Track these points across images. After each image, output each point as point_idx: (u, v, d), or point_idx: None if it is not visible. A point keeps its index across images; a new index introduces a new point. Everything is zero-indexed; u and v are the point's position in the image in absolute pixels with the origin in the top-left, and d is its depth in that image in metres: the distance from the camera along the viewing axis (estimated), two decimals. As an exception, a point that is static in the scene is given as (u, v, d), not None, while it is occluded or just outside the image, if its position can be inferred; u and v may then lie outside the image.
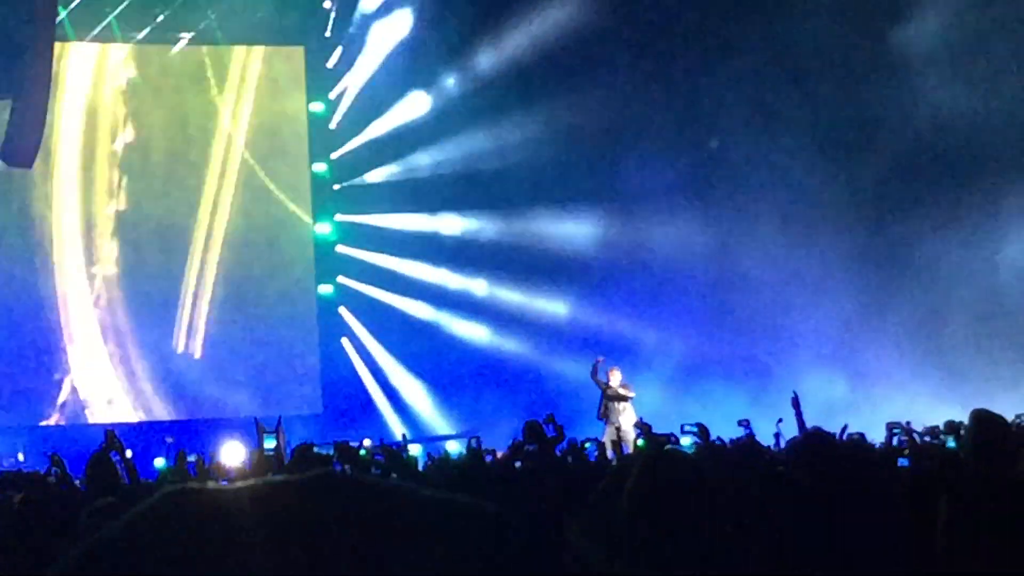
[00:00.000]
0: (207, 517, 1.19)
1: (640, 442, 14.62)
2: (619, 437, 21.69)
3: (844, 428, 12.86)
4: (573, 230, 29.26)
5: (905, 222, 26.40)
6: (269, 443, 9.73)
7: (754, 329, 27.60)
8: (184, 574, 1.14)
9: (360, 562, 1.14)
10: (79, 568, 1.19)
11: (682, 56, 28.33)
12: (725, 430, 15.99)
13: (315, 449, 10.66)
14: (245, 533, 1.16)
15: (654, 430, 15.27)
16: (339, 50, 31.24)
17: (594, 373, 23.93)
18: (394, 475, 11.21)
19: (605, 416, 23.50)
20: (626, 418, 22.85)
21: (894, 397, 23.56)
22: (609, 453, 17.61)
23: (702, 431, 11.82)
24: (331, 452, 10.81)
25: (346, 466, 10.46)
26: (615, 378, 23.79)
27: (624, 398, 23.46)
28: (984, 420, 7.10)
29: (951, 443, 13.17)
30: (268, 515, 1.18)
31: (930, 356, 25.17)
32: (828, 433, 7.78)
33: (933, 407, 20.85)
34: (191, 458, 17.22)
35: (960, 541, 6.38)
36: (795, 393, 14.30)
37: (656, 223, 28.22)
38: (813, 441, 7.73)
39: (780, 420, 15.43)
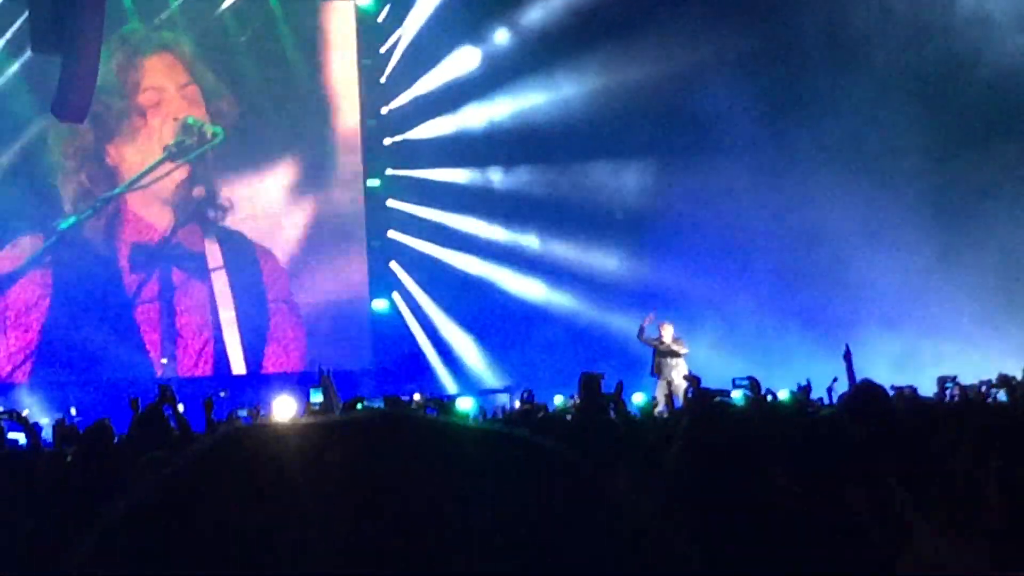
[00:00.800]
0: (269, 455, 1.18)
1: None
2: (671, 391, 21.62)
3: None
4: (628, 183, 29.17)
5: (978, 172, 25.97)
6: (316, 397, 9.76)
7: (820, 284, 27.28)
8: (246, 513, 1.13)
9: (423, 498, 1.14)
10: (136, 512, 1.19)
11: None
12: (787, 385, 15.88)
13: (365, 403, 10.70)
14: (306, 471, 1.16)
15: (707, 385, 15.22)
16: (389, 4, 31.17)
17: (640, 333, 23.82)
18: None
19: (658, 371, 23.38)
20: (678, 373, 22.70)
21: (965, 352, 23.26)
22: (661, 407, 17.59)
23: (753, 385, 11.80)
24: (381, 406, 10.84)
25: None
26: (667, 333, 23.65)
27: (676, 354, 23.34)
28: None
29: (1002, 396, 13.10)
30: (329, 451, 1.17)
31: (1001, 310, 24.86)
32: (878, 386, 7.76)
33: (1003, 363, 20.64)
34: (243, 412, 17.35)
35: (1005, 493, 6.34)
36: (847, 347, 14.23)
37: (716, 176, 27.96)
38: (863, 393, 7.72)
39: (835, 379, 15.24)
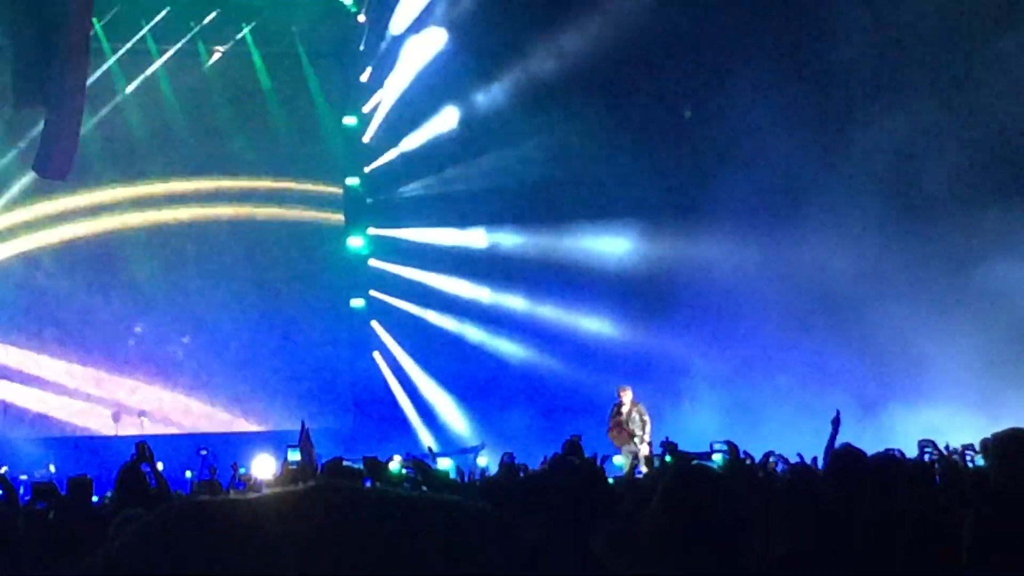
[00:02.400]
0: (213, 529, 1.20)
1: (667, 458, 14.57)
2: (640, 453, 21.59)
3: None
4: (608, 245, 29.17)
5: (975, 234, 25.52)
6: (293, 455, 9.75)
7: (815, 344, 27.02)
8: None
9: (361, 568, 1.15)
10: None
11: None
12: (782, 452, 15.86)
13: (345, 463, 10.69)
14: (247, 543, 1.17)
15: (685, 448, 15.20)
16: (372, 64, 31.31)
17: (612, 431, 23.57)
18: (425, 488, 11.21)
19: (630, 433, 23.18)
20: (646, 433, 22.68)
21: (963, 415, 22.92)
22: (640, 469, 17.56)
23: (731, 449, 11.77)
24: (361, 466, 10.83)
25: (377, 481, 10.47)
26: (626, 396, 23.49)
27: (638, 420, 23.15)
28: (1006, 438, 7.09)
29: (979, 461, 13.10)
30: (269, 525, 1.19)
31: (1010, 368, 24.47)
32: (858, 450, 7.79)
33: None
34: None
35: (983, 555, 6.40)
36: (838, 412, 14.26)
37: (705, 237, 27.92)
38: (843, 458, 7.74)
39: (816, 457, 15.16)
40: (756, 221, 26.77)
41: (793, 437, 16.11)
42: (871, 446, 11.07)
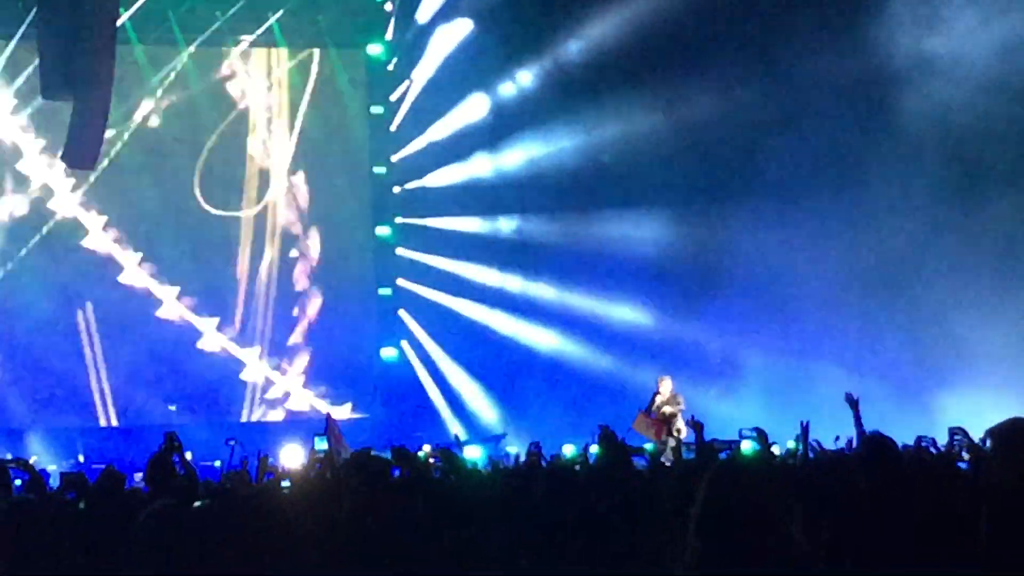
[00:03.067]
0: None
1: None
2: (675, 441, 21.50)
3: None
4: (646, 231, 29.01)
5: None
6: (320, 444, 9.75)
7: (856, 334, 26.86)
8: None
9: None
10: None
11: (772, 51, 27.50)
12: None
13: (373, 453, 10.66)
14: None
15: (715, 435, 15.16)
16: (400, 53, 31.29)
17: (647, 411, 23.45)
18: (453, 478, 11.19)
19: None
20: (677, 423, 22.55)
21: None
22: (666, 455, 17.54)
23: (761, 436, 11.74)
24: (388, 456, 10.80)
25: (404, 470, 10.45)
26: (665, 387, 23.35)
27: (670, 417, 23.02)
28: (1006, 428, 7.03)
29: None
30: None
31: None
32: (887, 438, 7.73)
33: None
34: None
35: (997, 544, 6.38)
36: (849, 394, 14.13)
37: (737, 225, 27.78)
38: (873, 445, 7.69)
39: (836, 438, 15.07)
40: (797, 204, 26.48)
41: (834, 423, 15.91)
42: (913, 431, 11.03)
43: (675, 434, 22.14)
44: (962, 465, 11.97)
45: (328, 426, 10.06)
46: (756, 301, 27.37)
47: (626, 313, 29.01)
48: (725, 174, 27.70)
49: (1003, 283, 23.92)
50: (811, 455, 13.93)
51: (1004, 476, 6.75)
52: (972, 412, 20.42)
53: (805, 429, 14.01)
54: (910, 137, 25.16)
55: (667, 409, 22.84)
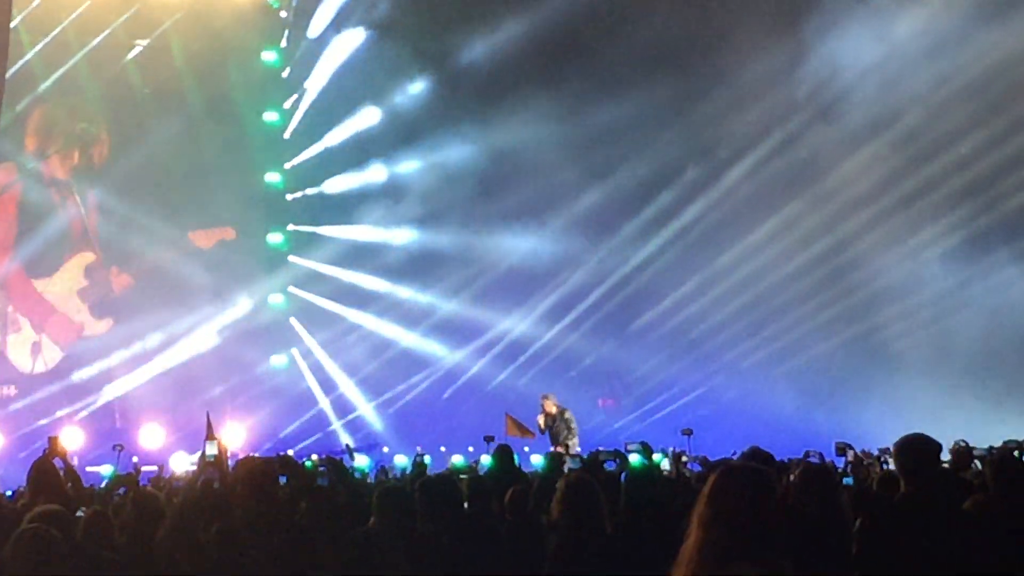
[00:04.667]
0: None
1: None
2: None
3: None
4: (530, 245, 29.24)
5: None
6: (211, 449, 9.73)
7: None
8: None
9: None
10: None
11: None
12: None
13: (258, 458, 10.71)
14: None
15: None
16: (294, 61, 31.23)
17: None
18: (340, 487, 11.24)
19: (554, 441, 23.14)
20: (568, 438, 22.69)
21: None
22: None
23: (645, 449, 11.86)
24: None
25: (291, 479, 10.49)
26: (549, 404, 23.49)
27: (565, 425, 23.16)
28: (904, 445, 7.26)
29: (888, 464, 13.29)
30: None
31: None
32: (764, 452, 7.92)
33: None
34: (151, 468, 17.35)
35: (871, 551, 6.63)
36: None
37: (614, 243, 28.11)
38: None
39: (733, 452, 15.37)
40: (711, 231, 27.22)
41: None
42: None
43: (567, 448, 22.25)
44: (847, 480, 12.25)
45: (209, 427, 10.02)
46: (659, 317, 27.84)
47: (516, 324, 29.24)
48: (630, 184, 27.98)
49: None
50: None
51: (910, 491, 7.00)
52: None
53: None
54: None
55: (561, 426, 22.99)
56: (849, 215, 26.61)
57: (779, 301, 27.41)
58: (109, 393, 29.14)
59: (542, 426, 23.17)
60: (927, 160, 25.57)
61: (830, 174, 26.68)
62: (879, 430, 19.85)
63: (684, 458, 15.67)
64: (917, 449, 7.14)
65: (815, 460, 14.73)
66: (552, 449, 22.15)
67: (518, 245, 29.25)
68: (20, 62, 27.63)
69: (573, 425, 22.96)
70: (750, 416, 25.62)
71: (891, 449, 7.60)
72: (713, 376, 28.27)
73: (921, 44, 24.91)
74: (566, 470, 11.33)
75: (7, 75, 19.00)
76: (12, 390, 28.74)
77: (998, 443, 15.10)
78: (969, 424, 18.96)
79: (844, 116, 26.41)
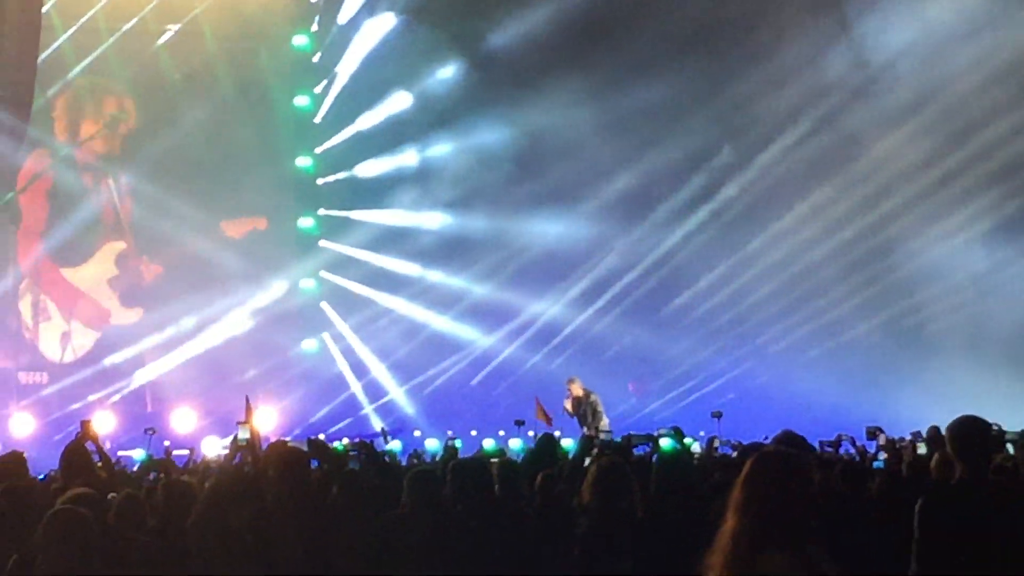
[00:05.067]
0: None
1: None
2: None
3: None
4: (561, 230, 29.22)
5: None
6: (243, 433, 9.75)
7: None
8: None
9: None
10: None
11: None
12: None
13: (290, 443, 10.72)
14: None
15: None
16: (325, 46, 31.20)
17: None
18: (371, 470, 11.24)
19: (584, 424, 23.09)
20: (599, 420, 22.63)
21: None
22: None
23: (678, 433, 11.86)
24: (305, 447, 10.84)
25: (322, 462, 10.50)
26: (576, 387, 23.46)
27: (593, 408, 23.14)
28: (960, 428, 7.18)
29: (922, 449, 13.22)
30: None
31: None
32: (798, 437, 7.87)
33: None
34: (183, 452, 17.38)
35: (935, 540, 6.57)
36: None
37: (646, 226, 28.08)
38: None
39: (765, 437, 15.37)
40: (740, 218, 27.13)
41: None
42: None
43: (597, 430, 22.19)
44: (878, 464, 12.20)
45: (247, 412, 10.04)
46: (691, 300, 27.82)
47: (548, 308, 29.24)
48: (665, 171, 27.92)
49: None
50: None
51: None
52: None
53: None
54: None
55: (586, 409, 22.95)
56: (884, 197, 26.47)
57: (812, 284, 27.35)
58: (141, 377, 29.22)
59: (570, 410, 23.12)
60: (963, 141, 25.47)
61: (863, 156, 26.57)
62: (914, 413, 19.85)
63: (716, 443, 15.68)
64: (973, 432, 7.07)
65: (847, 444, 14.73)
66: (584, 432, 22.11)
67: (550, 228, 29.21)
68: (52, 47, 27.69)
69: (599, 408, 22.88)
70: (782, 399, 25.57)
71: (943, 432, 7.47)
72: (745, 359, 28.23)
73: (958, 23, 24.77)
74: (594, 453, 11.31)
75: (39, 60, 19.06)
76: (44, 377, 28.83)
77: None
78: (1004, 407, 18.91)
79: (878, 97, 26.32)
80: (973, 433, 7.03)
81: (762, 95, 26.75)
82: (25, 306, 29.17)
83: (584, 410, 22.94)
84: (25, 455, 11.23)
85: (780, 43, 26.00)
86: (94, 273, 29.81)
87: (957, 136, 25.50)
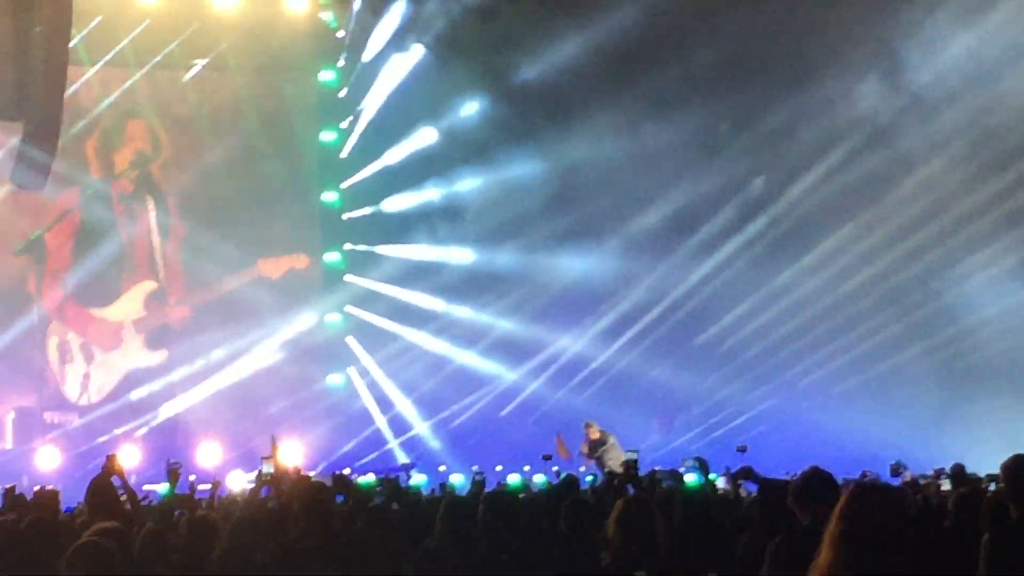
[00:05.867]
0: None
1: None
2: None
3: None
4: (588, 265, 29.24)
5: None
6: (267, 468, 9.79)
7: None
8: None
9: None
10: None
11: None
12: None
13: (314, 478, 10.74)
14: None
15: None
16: (351, 81, 31.31)
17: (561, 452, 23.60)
18: (395, 505, 11.24)
19: (601, 466, 23.07)
20: (615, 459, 22.62)
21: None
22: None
23: (702, 465, 11.81)
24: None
25: (347, 497, 10.50)
26: (593, 431, 23.52)
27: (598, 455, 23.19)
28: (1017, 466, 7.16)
29: (946, 485, 13.18)
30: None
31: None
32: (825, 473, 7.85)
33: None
34: (202, 486, 17.39)
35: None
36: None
37: (675, 259, 28.11)
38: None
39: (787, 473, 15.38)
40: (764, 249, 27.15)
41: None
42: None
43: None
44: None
45: (273, 450, 10.07)
46: (717, 335, 27.80)
47: (572, 344, 29.25)
48: (694, 206, 27.92)
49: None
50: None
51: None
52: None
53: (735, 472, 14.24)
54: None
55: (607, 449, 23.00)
56: (919, 227, 26.37)
57: (841, 317, 27.27)
58: (167, 411, 29.24)
59: (587, 453, 23.20)
60: (1001, 170, 25.43)
61: (899, 185, 26.51)
62: (950, 448, 19.79)
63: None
64: None
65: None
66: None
67: (577, 263, 29.24)
68: (79, 81, 27.80)
69: (617, 451, 22.93)
70: (808, 435, 25.52)
71: (999, 472, 7.44)
72: (772, 394, 28.12)
73: (994, 52, 24.75)
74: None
75: (66, 95, 19.10)
76: (70, 417, 28.81)
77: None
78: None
79: (914, 127, 26.21)
80: None
81: (790, 129, 26.74)
82: (52, 346, 29.16)
83: (600, 454, 23.00)
84: (59, 492, 11.27)
85: (809, 78, 25.98)
86: (121, 312, 29.80)
87: (995, 164, 25.45)
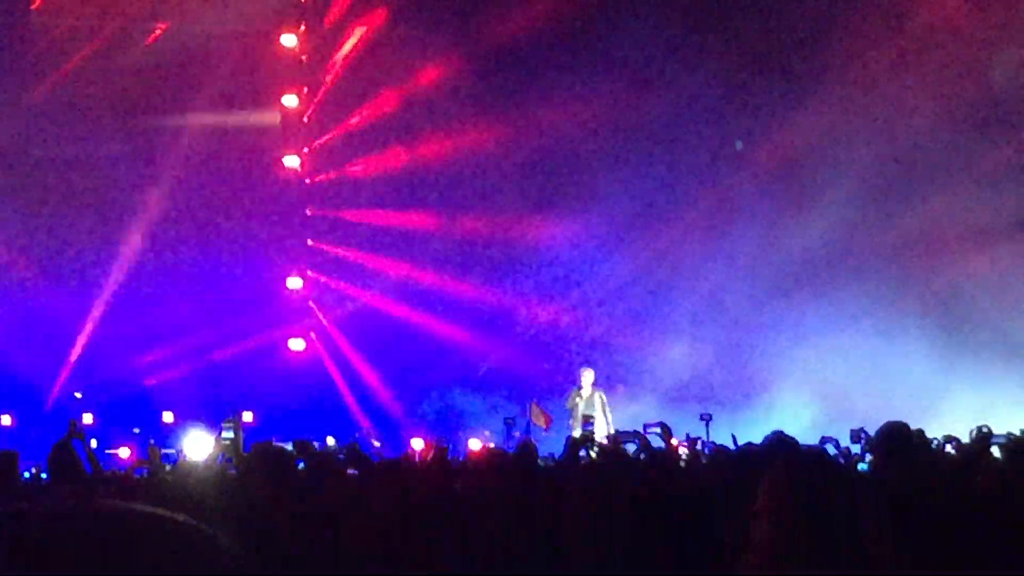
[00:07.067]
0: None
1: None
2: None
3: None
4: (550, 231, 29.20)
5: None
6: (227, 433, 9.74)
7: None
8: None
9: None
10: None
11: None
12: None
13: (275, 444, 10.69)
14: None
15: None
16: (313, 44, 31.13)
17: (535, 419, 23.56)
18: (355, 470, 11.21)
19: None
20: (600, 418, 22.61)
21: None
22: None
23: (665, 430, 11.81)
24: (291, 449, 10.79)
25: (308, 461, 10.46)
26: (586, 378, 23.54)
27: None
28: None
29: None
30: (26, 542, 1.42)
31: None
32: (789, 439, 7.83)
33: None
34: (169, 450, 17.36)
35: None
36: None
37: (663, 229, 28.15)
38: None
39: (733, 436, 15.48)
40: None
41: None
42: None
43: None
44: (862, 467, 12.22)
45: (235, 414, 10.03)
46: (683, 304, 27.86)
47: (544, 312, 29.28)
48: (663, 173, 27.90)
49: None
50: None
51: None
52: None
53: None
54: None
55: (595, 402, 23.01)
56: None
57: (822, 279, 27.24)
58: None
59: (577, 407, 23.12)
60: (993, 129, 25.65)
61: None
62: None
63: (698, 444, 15.72)
64: None
65: (831, 447, 14.76)
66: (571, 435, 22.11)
67: (545, 231, 29.19)
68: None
69: (608, 407, 23.07)
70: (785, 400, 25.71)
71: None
72: (742, 361, 28.10)
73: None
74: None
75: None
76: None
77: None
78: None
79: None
80: None
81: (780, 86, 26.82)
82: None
83: (593, 403, 22.95)
84: (17, 455, 11.17)
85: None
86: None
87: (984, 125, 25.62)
